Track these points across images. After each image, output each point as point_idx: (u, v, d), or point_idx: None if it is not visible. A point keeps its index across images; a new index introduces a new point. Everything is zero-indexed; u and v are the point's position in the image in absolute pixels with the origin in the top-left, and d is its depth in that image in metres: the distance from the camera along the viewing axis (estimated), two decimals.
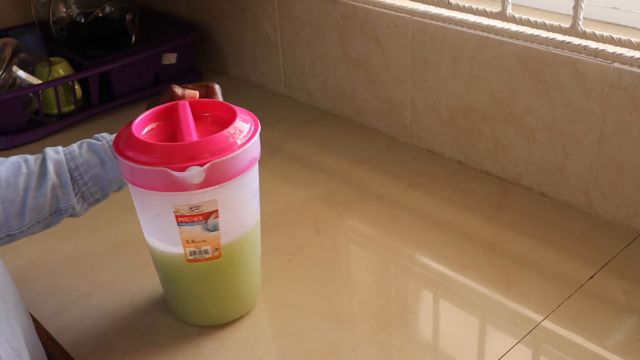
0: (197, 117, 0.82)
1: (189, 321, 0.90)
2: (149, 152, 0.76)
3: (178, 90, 0.85)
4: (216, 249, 0.82)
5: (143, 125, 0.81)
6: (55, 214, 0.84)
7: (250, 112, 0.85)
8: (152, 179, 0.76)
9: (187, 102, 0.83)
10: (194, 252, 0.81)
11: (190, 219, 0.78)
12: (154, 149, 0.76)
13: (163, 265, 0.88)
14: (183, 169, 0.74)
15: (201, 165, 0.74)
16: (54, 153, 0.84)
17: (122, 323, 0.91)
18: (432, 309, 0.92)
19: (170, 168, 0.74)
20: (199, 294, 0.88)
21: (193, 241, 0.80)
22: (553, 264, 0.97)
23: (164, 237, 0.83)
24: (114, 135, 0.85)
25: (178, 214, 0.78)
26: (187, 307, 0.90)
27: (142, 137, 0.78)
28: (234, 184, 0.79)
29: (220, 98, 0.87)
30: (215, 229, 0.80)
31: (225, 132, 0.78)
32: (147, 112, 0.82)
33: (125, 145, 0.78)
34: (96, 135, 0.86)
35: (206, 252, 0.82)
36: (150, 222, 0.84)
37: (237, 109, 0.83)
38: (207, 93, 0.87)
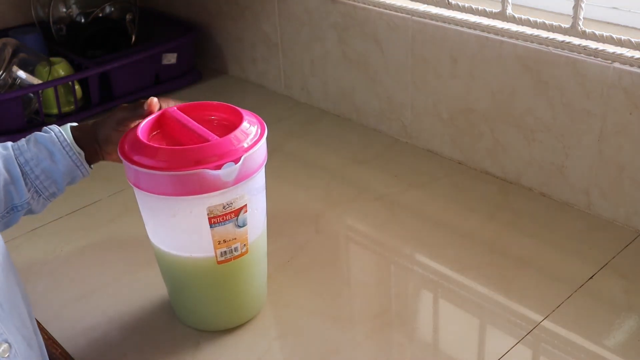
0: (202, 121, 0.82)
1: (202, 327, 0.90)
2: (179, 157, 0.75)
3: (153, 106, 0.85)
4: (244, 245, 0.83)
5: (146, 137, 0.81)
6: (12, 211, 0.83)
7: (249, 111, 0.85)
8: (186, 184, 0.75)
9: (175, 107, 0.83)
10: (225, 252, 0.82)
11: (223, 219, 0.79)
12: (183, 153, 0.76)
13: (183, 273, 0.87)
14: (218, 168, 0.75)
15: (236, 161, 0.76)
16: (3, 149, 0.83)
17: (122, 323, 0.91)
18: (432, 309, 0.92)
19: (207, 168, 0.74)
20: (220, 297, 0.88)
21: (224, 241, 0.81)
22: (553, 264, 0.97)
23: (190, 245, 0.83)
24: (65, 125, 0.84)
25: (211, 216, 0.78)
26: (203, 313, 0.90)
27: (164, 146, 0.78)
28: (256, 177, 0.81)
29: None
30: (244, 224, 0.81)
31: (242, 127, 0.79)
32: (143, 124, 0.81)
33: (148, 156, 0.76)
34: (45, 127, 0.85)
35: (236, 249, 0.83)
36: (172, 231, 0.84)
37: (239, 108, 0.84)
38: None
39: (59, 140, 0.83)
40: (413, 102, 1.27)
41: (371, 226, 1.10)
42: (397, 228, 1.08)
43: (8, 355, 0.66)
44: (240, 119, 0.81)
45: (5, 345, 0.66)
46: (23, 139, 0.84)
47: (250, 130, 0.80)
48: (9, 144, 0.83)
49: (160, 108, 0.85)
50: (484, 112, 1.16)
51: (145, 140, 0.79)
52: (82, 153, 0.84)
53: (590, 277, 0.94)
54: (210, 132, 0.78)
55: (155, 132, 0.83)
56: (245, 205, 0.80)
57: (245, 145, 0.78)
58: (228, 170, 0.76)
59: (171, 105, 0.86)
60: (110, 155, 0.86)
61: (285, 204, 1.15)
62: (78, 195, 1.20)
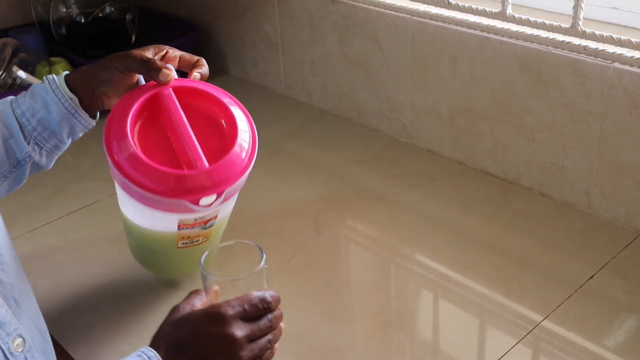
0: (186, 109, 0.77)
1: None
2: (161, 181, 0.72)
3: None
4: (206, 237, 0.85)
5: (133, 128, 0.76)
6: (18, 166, 0.81)
7: (233, 97, 0.82)
8: (163, 205, 0.74)
9: (172, 94, 0.78)
10: (186, 243, 0.83)
11: (191, 226, 0.79)
12: (166, 177, 0.72)
13: (142, 241, 0.89)
14: (198, 201, 0.73)
15: (218, 194, 0.73)
16: (1, 104, 0.80)
17: (122, 323, 0.91)
18: (432, 309, 0.92)
19: (186, 200, 0.72)
20: (179, 267, 0.93)
21: (188, 237, 0.82)
22: (553, 264, 0.97)
23: (154, 225, 0.82)
24: (62, 73, 0.81)
25: (181, 224, 0.78)
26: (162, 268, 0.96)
27: (150, 162, 0.73)
28: (236, 193, 0.81)
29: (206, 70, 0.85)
30: (210, 226, 0.82)
31: (234, 152, 0.75)
32: (133, 109, 0.76)
33: (131, 165, 0.73)
34: (44, 77, 0.82)
35: (197, 241, 0.84)
36: (142, 214, 0.82)
37: (226, 100, 0.80)
38: (193, 66, 0.85)
39: (52, 88, 0.79)
40: (413, 102, 1.27)
41: (371, 226, 1.10)
42: (397, 228, 1.08)
43: (22, 350, 0.66)
44: (234, 133, 0.76)
45: (19, 340, 0.66)
46: (24, 92, 0.81)
47: (241, 154, 0.76)
48: (9, 98, 0.81)
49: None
50: (484, 112, 1.16)
51: (132, 137, 0.74)
52: (75, 98, 0.80)
53: (590, 277, 0.94)
54: (199, 153, 0.73)
55: (145, 113, 0.78)
56: (216, 216, 0.80)
57: (231, 175, 0.74)
58: (207, 202, 0.73)
59: (176, 55, 0.83)
60: (110, 99, 0.82)
61: (285, 204, 1.15)
62: (78, 195, 1.20)
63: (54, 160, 0.85)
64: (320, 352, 0.85)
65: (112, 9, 1.66)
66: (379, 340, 0.86)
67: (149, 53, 0.82)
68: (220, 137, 0.78)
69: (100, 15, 1.65)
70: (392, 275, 1.00)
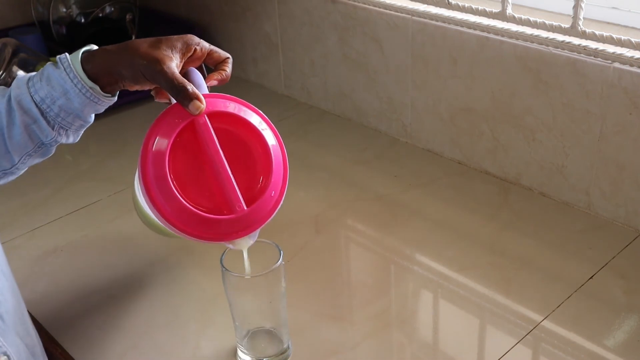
0: (220, 134, 0.74)
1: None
2: (201, 227, 0.71)
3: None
4: None
5: (171, 165, 0.72)
6: (44, 146, 0.78)
7: (264, 116, 0.80)
8: (199, 239, 0.73)
9: (207, 122, 0.74)
10: None
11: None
12: (206, 223, 0.71)
13: (164, 231, 0.87)
14: (233, 240, 0.73)
15: (253, 230, 0.73)
16: (16, 87, 0.77)
17: (121, 323, 0.91)
18: (432, 309, 0.92)
19: (226, 241, 0.73)
20: None
21: None
22: (553, 264, 0.97)
23: None
24: (77, 54, 0.79)
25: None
26: None
27: (191, 207, 0.71)
28: None
29: (229, 70, 0.82)
30: None
31: (269, 190, 0.75)
32: (170, 144, 0.72)
33: (171, 208, 0.71)
34: (58, 56, 0.78)
35: None
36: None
37: (262, 128, 0.78)
38: (217, 65, 0.81)
39: (69, 77, 0.77)
40: (413, 102, 1.27)
41: (371, 226, 1.10)
42: (397, 228, 1.08)
43: None
44: (268, 169, 0.75)
45: (4, 358, 0.66)
46: (37, 73, 0.79)
47: (274, 189, 0.75)
48: (23, 80, 0.78)
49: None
50: (484, 112, 1.16)
51: (171, 176, 0.71)
52: (96, 87, 0.77)
53: (590, 277, 0.94)
54: (238, 195, 0.72)
55: (179, 140, 0.74)
56: None
57: (266, 213, 0.74)
58: (244, 239, 0.74)
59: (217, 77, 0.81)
60: (132, 86, 0.79)
61: (285, 204, 1.14)
62: (78, 195, 1.20)
63: (80, 135, 0.82)
64: (320, 352, 0.85)
65: (112, 9, 1.66)
66: (379, 340, 0.86)
67: (175, 56, 0.77)
68: (253, 167, 0.76)
69: (100, 15, 1.65)
70: (392, 275, 1.00)
